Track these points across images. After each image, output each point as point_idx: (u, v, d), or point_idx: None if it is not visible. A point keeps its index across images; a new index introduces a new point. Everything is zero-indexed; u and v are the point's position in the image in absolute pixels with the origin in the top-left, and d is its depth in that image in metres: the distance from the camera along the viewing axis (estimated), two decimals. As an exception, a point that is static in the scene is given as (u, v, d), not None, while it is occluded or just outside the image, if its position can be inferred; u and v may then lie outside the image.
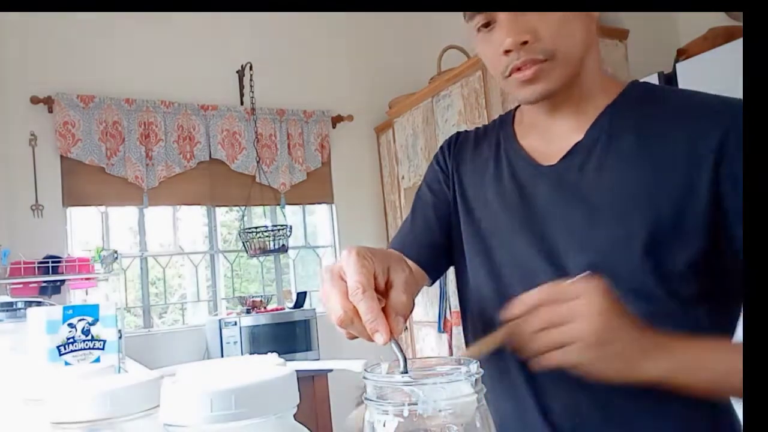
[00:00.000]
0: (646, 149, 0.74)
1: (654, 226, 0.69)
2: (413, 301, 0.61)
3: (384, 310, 0.54)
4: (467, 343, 0.90)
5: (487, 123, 0.97)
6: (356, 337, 0.57)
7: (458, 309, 0.95)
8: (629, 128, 0.76)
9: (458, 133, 0.98)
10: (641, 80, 0.85)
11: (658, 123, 0.75)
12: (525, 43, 0.73)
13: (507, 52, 0.74)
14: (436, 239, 0.91)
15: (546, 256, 0.76)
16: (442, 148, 0.97)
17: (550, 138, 0.82)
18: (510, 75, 0.76)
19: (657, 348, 0.63)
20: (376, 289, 0.55)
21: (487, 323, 0.81)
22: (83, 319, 0.80)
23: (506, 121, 0.92)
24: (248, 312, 3.49)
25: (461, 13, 0.80)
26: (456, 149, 0.95)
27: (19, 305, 1.72)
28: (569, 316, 0.60)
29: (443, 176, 0.94)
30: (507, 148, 0.87)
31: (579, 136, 0.79)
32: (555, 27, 0.73)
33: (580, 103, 0.80)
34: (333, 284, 0.56)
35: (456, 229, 0.90)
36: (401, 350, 0.49)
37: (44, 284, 3.10)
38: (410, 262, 0.80)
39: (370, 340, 0.54)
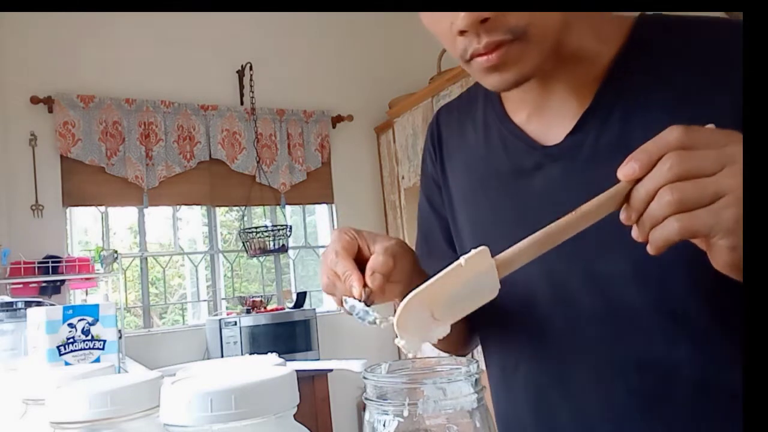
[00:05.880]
0: (685, 101, 0.58)
1: None
2: (397, 262, 0.62)
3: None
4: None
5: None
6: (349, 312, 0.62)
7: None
8: (654, 77, 0.60)
9: (437, 114, 0.82)
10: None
11: (691, 66, 0.59)
12: (485, 21, 0.53)
13: (462, 32, 0.55)
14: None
15: (570, 258, 0.61)
16: (426, 146, 0.82)
17: (549, 114, 0.66)
18: (471, 59, 0.57)
19: None
20: (363, 257, 0.61)
21: (496, 337, 0.73)
22: (83, 319, 0.80)
23: (491, 94, 0.72)
24: (248, 312, 3.49)
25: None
26: (441, 141, 0.80)
27: (19, 305, 1.71)
28: (717, 164, 0.42)
29: (436, 187, 0.81)
30: (500, 130, 0.70)
31: (586, 104, 0.62)
32: None
33: (578, 65, 0.62)
34: (323, 260, 0.64)
35: (457, 231, 0.78)
36: (371, 309, 0.58)
37: (44, 284, 3.11)
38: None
39: (358, 298, 0.59)
